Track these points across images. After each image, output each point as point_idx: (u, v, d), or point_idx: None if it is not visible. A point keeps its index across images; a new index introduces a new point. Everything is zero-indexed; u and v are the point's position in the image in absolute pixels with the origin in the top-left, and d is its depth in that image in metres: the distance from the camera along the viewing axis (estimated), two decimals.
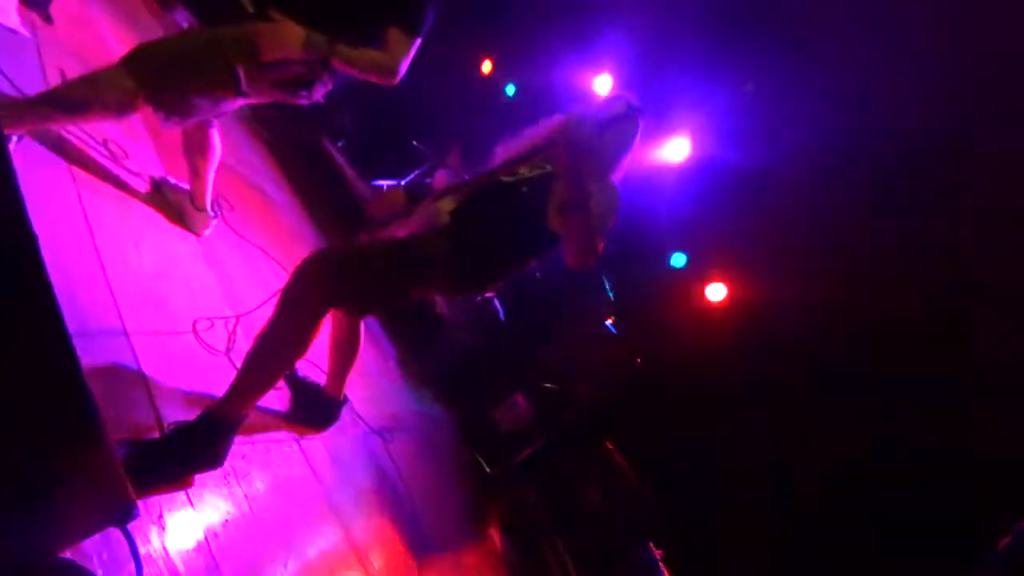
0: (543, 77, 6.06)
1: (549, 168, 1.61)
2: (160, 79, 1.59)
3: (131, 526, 0.95)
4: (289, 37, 1.68)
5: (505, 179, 1.64)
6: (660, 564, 1.84)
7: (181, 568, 1.16)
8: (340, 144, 5.62)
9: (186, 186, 2.16)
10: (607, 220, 1.54)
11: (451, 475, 3.27)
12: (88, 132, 1.94)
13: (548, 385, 3.95)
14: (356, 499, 2.06)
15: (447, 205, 1.62)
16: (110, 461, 0.84)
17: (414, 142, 5.48)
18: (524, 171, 1.65)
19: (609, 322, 4.61)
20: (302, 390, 1.93)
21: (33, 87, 1.86)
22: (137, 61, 1.58)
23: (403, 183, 5.28)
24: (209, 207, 2.20)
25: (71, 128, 1.85)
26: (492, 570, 2.87)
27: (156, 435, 1.34)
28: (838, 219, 4.11)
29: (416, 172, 5.39)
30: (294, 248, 3.31)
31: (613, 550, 2.53)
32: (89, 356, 1.31)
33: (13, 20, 1.92)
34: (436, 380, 3.96)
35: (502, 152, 1.75)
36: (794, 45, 3.98)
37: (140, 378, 1.43)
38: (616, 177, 1.72)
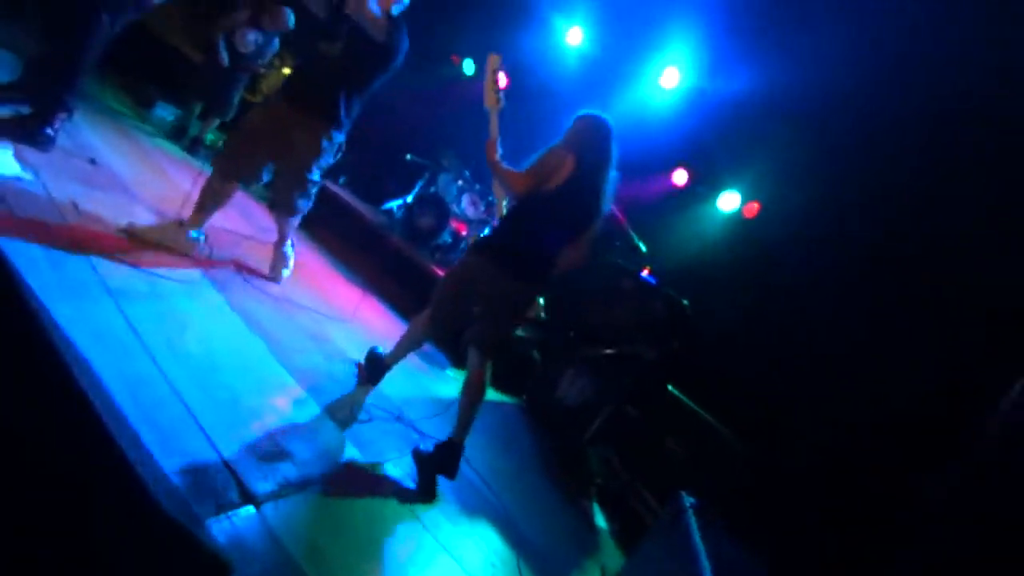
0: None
1: None
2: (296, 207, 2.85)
3: None
4: None
5: None
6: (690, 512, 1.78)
7: None
8: (342, 181, 5.77)
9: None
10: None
11: (531, 461, 3.33)
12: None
13: (604, 351, 3.94)
14: (443, 512, 2.13)
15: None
16: None
17: (408, 156, 5.54)
18: None
19: (646, 273, 4.54)
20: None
21: (51, 217, 2.04)
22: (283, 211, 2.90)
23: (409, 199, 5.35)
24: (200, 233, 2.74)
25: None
26: (594, 544, 2.93)
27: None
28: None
29: (419, 184, 5.46)
30: (321, 289, 3.47)
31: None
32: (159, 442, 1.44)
33: (14, 168, 2.10)
34: (496, 375, 4.04)
35: None
36: None
37: (218, 453, 1.55)
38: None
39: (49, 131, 2.54)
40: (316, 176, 2.79)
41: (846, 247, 4.29)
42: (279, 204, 2.86)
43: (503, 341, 2.44)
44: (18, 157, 2.27)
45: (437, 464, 2.18)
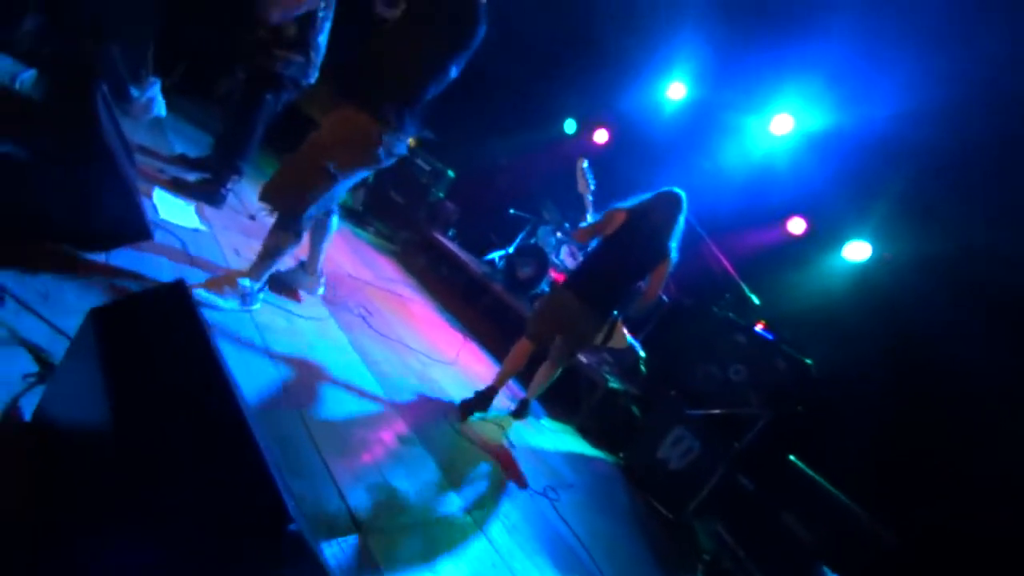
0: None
1: None
2: (286, 202, 2.16)
3: None
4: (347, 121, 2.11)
5: None
6: None
7: None
8: (450, 234, 6.18)
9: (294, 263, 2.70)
10: None
11: (629, 526, 3.11)
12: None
13: (713, 411, 3.65)
14: (534, 562, 2.07)
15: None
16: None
17: (511, 210, 5.80)
18: None
19: (760, 327, 4.21)
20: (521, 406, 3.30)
21: (218, 260, 2.41)
22: (269, 200, 2.19)
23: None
24: (319, 272, 2.77)
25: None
26: None
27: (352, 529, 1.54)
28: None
29: (520, 236, 5.67)
30: (428, 332, 3.67)
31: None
32: (288, 469, 1.58)
33: (195, 222, 2.54)
34: (592, 428, 3.91)
35: None
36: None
37: (334, 481, 1.66)
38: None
39: (223, 191, 3.06)
40: (335, 175, 2.08)
41: (991, 298, 3.65)
42: (265, 192, 2.14)
43: (573, 356, 3.21)
44: (198, 212, 2.75)
45: (515, 413, 3.23)
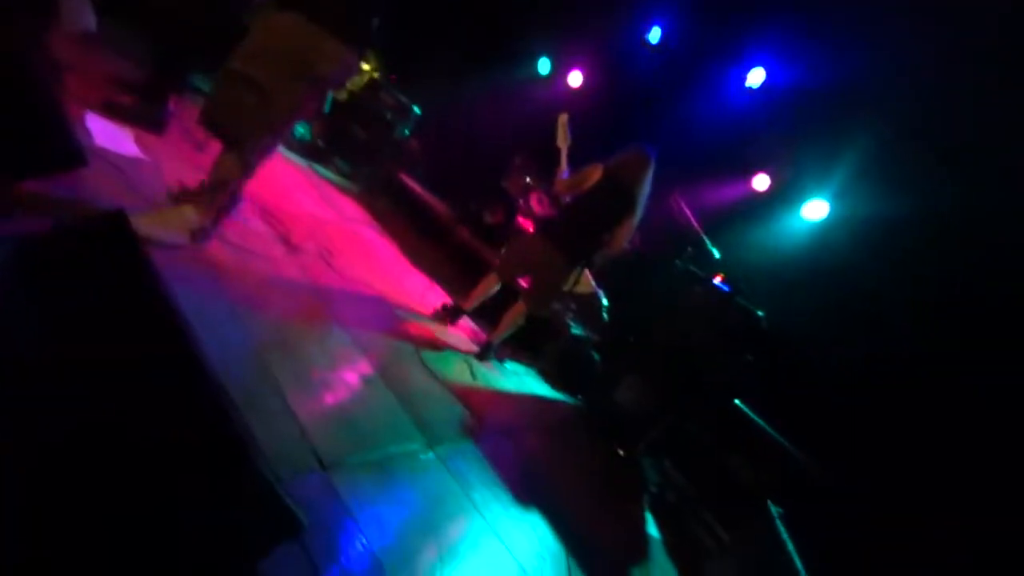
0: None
1: None
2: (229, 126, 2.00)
3: None
4: None
5: None
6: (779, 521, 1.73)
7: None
8: (416, 174, 5.97)
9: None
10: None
11: (586, 462, 3.29)
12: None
13: (668, 359, 3.81)
14: (493, 492, 2.16)
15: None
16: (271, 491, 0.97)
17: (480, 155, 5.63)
18: None
19: (719, 280, 4.34)
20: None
21: (164, 198, 2.25)
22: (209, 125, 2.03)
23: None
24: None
25: None
26: (645, 552, 2.84)
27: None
28: None
29: (489, 179, 5.54)
30: (392, 274, 3.61)
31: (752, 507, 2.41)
32: (249, 411, 1.55)
33: (133, 149, 2.33)
34: (553, 371, 4.03)
35: None
36: None
37: (296, 420, 1.65)
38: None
39: (165, 116, 2.81)
40: (273, 94, 1.90)
41: (944, 262, 3.88)
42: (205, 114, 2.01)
43: (544, 303, 3.45)
44: (137, 139, 2.52)
45: (479, 355, 3.32)
